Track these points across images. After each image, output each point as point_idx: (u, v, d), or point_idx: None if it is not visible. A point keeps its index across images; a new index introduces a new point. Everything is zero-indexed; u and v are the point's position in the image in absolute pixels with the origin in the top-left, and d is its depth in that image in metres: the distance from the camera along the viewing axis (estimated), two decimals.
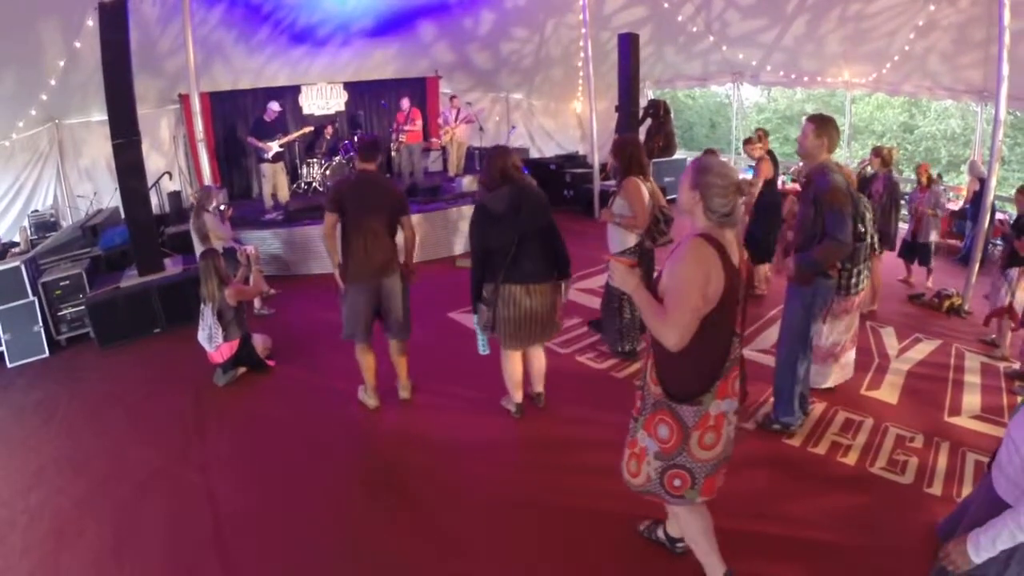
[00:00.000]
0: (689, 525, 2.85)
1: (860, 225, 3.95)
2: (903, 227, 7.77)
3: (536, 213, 4.05)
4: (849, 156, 14.22)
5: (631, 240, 4.82)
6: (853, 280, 4.28)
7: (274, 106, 9.87)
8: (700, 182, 2.41)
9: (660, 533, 3.23)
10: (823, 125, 3.85)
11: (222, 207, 6.97)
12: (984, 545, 1.99)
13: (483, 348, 4.45)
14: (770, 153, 6.94)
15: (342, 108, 13.03)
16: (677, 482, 2.55)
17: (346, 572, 3.24)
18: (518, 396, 4.57)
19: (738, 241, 2.53)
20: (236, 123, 11.90)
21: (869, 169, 7.39)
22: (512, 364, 4.44)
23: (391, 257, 4.53)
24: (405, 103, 11.49)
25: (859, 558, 3.17)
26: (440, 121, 12.24)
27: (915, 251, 7.57)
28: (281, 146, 9.77)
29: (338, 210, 4.34)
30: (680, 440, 2.49)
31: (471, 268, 4.21)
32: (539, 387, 4.68)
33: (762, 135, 7.10)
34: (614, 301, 5.22)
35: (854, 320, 4.75)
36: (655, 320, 2.38)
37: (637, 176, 4.77)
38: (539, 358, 4.58)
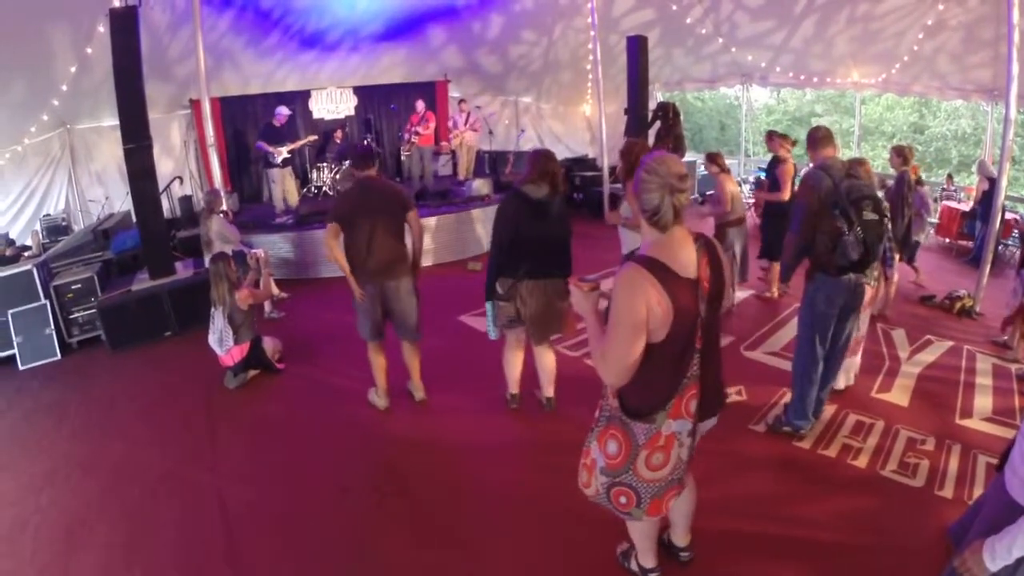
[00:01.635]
0: (634, 528, 2.88)
1: (840, 221, 3.82)
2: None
3: (564, 221, 4.28)
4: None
5: (639, 241, 4.77)
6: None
7: (283, 110, 9.84)
8: (636, 177, 2.27)
9: (665, 539, 3.19)
10: (808, 139, 4.18)
11: (223, 210, 7.00)
12: (1000, 552, 1.96)
13: (493, 333, 4.54)
14: None
15: (352, 112, 13.08)
16: (623, 499, 2.51)
17: (352, 571, 3.25)
18: (514, 388, 4.72)
19: (704, 246, 2.35)
20: (246, 128, 11.96)
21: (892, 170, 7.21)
22: (512, 357, 4.60)
23: (397, 259, 4.52)
24: (420, 105, 11.49)
25: (869, 560, 3.14)
26: (450, 125, 12.26)
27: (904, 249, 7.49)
28: (290, 152, 9.80)
29: (338, 219, 4.38)
30: (627, 457, 2.42)
31: (490, 258, 4.32)
32: (549, 391, 4.69)
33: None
34: None
35: (867, 317, 4.76)
36: (595, 356, 2.33)
37: None
38: (549, 359, 4.61)
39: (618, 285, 2.24)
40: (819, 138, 4.07)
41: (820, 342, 4.06)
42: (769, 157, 7.24)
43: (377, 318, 4.58)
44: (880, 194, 4.12)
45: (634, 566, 3.06)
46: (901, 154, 6.68)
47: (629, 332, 2.20)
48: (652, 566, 2.98)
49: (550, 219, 4.19)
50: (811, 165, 4.19)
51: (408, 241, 4.63)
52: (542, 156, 4.26)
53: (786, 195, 6.64)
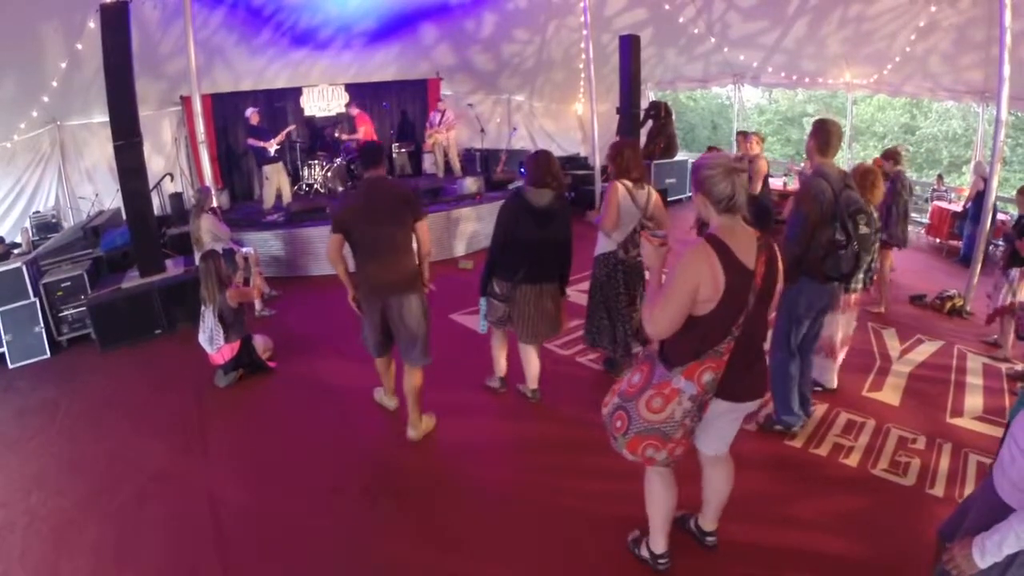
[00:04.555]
0: (651, 503, 2.97)
1: (839, 233, 3.84)
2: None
3: (565, 224, 4.33)
4: (851, 157, 14.21)
5: (610, 245, 4.63)
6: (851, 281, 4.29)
7: (250, 110, 9.83)
8: (697, 180, 2.51)
9: (691, 524, 3.27)
10: (817, 127, 3.94)
11: (212, 207, 6.97)
12: (990, 550, 1.97)
13: (483, 327, 4.67)
14: None
15: (343, 110, 13.03)
16: (619, 423, 2.66)
17: (346, 573, 3.23)
18: (500, 372, 4.90)
19: (765, 245, 2.51)
20: (238, 125, 11.88)
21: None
22: (499, 350, 4.80)
23: (403, 273, 4.07)
24: (353, 109, 11.60)
25: (861, 560, 3.16)
26: (427, 124, 12.27)
27: None
28: (278, 144, 9.80)
29: (342, 230, 3.97)
30: (639, 390, 2.62)
31: (488, 255, 4.38)
32: (534, 385, 4.81)
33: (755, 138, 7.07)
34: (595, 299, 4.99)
35: (853, 318, 4.79)
36: (646, 309, 2.55)
37: (625, 181, 4.50)
38: (534, 358, 4.72)
39: (683, 257, 2.44)
40: (833, 141, 3.89)
41: (794, 339, 4.12)
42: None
43: (380, 336, 4.25)
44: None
45: (644, 552, 3.12)
46: (891, 156, 6.74)
47: (677, 301, 2.43)
48: (662, 551, 3.05)
49: (552, 224, 4.22)
50: (806, 168, 4.17)
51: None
52: (545, 158, 4.27)
53: (754, 189, 6.61)
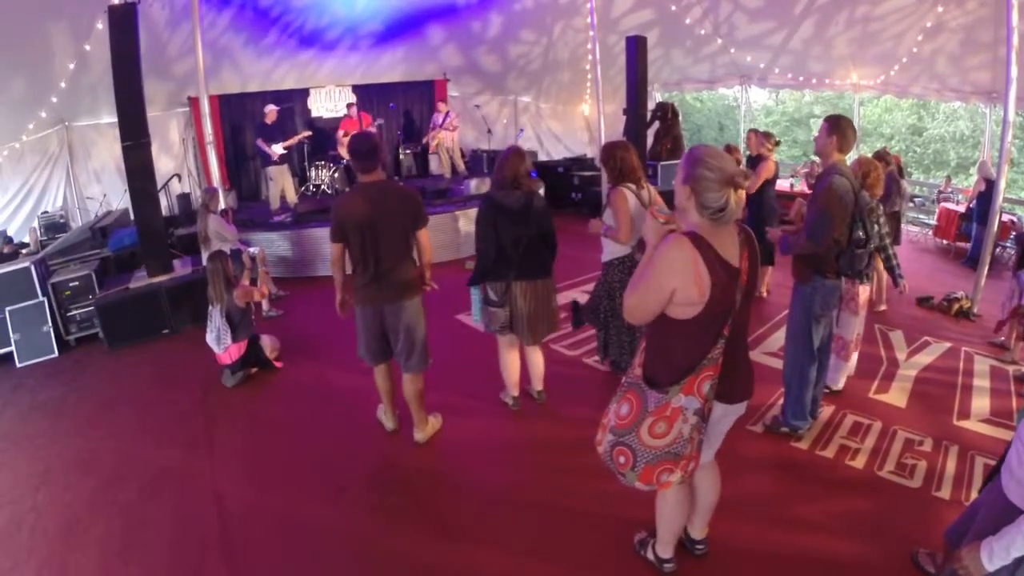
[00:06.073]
0: (661, 516, 2.95)
1: (860, 231, 3.87)
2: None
3: (543, 218, 4.24)
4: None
5: (623, 249, 4.55)
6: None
7: (271, 107, 9.78)
8: (691, 175, 2.30)
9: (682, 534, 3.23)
10: (835, 124, 3.83)
11: (222, 208, 7.00)
12: (998, 553, 1.97)
13: (478, 317, 4.54)
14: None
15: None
16: (622, 459, 2.55)
17: (350, 572, 3.24)
18: (515, 391, 4.72)
19: (745, 239, 2.43)
20: (245, 126, 11.96)
21: None
22: (510, 361, 4.61)
23: (402, 281, 3.97)
24: (352, 110, 11.58)
25: (867, 562, 3.14)
26: (431, 125, 12.31)
27: None
28: (285, 148, 9.77)
29: (342, 239, 3.87)
30: (635, 420, 2.48)
31: (477, 260, 4.32)
32: (539, 385, 4.79)
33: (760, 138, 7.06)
34: (597, 303, 4.96)
35: (863, 316, 4.81)
36: (628, 290, 2.44)
37: (628, 184, 4.41)
38: (539, 359, 4.70)
39: (661, 251, 2.32)
40: (852, 140, 3.82)
41: (816, 340, 4.08)
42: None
43: (377, 343, 4.12)
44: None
45: (650, 555, 3.10)
46: (880, 159, 6.73)
47: (650, 293, 2.34)
48: (668, 556, 3.03)
49: (531, 219, 4.17)
50: (813, 169, 4.17)
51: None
52: (512, 161, 4.19)
53: (751, 188, 6.58)
